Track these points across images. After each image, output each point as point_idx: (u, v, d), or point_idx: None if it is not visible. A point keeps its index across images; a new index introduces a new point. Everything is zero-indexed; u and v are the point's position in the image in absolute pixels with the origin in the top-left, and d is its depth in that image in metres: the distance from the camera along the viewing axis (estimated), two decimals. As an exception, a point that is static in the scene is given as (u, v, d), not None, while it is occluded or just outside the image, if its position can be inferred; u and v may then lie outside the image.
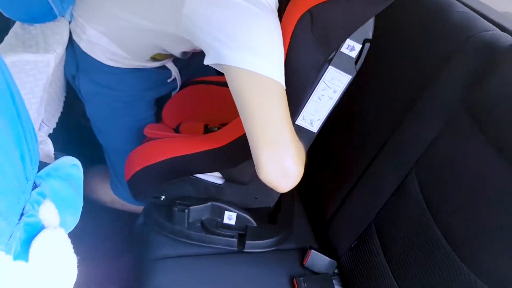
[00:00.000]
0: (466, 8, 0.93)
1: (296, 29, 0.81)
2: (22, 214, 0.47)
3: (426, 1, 0.98)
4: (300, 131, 0.96)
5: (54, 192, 0.55)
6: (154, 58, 1.11)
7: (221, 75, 1.10)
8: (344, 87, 0.90)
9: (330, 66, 0.87)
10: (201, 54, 1.39)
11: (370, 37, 0.86)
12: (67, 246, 0.50)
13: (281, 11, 1.26)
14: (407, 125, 0.93)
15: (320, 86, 0.90)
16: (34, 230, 0.47)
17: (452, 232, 0.80)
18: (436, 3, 0.96)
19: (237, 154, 0.97)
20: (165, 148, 1.05)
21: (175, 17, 0.81)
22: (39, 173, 0.55)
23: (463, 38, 0.84)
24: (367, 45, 0.87)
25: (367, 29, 0.85)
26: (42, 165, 0.59)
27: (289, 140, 0.78)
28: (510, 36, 0.82)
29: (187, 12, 0.78)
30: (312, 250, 1.08)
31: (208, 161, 1.01)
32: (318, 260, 1.08)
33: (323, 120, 0.95)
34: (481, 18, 0.89)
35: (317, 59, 0.85)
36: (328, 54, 0.85)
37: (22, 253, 0.45)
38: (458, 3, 0.95)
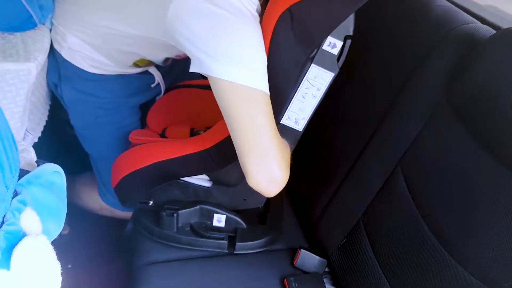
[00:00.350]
0: (446, 2, 0.94)
1: (276, 28, 0.81)
2: (2, 223, 0.47)
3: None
4: (286, 130, 0.96)
5: (36, 200, 0.54)
6: (136, 64, 1.10)
7: (206, 79, 1.10)
8: (327, 84, 0.91)
9: (312, 64, 0.87)
10: (184, 59, 1.39)
11: (351, 33, 0.86)
12: (50, 253, 0.49)
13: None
14: (391, 121, 0.94)
15: (304, 84, 0.90)
16: (15, 238, 0.47)
17: (439, 227, 0.80)
18: (416, -3, 0.96)
19: (223, 156, 0.96)
20: (151, 152, 1.04)
21: (160, 23, 0.81)
22: (19, 181, 0.54)
23: (444, 32, 0.85)
24: (349, 41, 0.87)
25: (348, 25, 0.85)
26: (24, 173, 0.58)
27: (274, 147, 0.80)
28: (490, 28, 0.82)
29: (171, 19, 0.78)
30: (302, 250, 1.08)
31: (194, 163, 1.01)
32: (308, 259, 1.08)
33: (308, 118, 0.95)
34: (462, 11, 0.89)
35: (299, 57, 0.85)
36: (309, 52, 0.85)
37: (4, 261, 0.45)
38: (438, -4, 0.96)
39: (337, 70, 0.89)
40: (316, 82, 0.90)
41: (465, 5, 0.95)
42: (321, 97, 0.92)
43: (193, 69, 0.80)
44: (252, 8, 0.82)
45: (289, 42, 0.82)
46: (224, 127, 0.91)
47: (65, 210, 0.62)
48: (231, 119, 0.80)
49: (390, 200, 0.93)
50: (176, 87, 1.37)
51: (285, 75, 0.86)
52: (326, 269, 1.10)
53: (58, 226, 0.59)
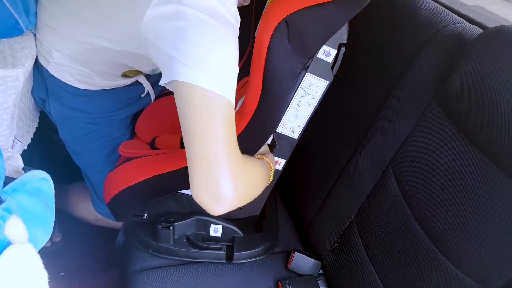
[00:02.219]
0: (434, 3, 0.94)
1: (272, 39, 0.80)
2: (-14, 231, 0.46)
3: (394, -1, 0.99)
4: (281, 139, 0.96)
5: (22, 207, 0.54)
6: (125, 75, 1.09)
7: None
8: (322, 92, 0.91)
9: (307, 73, 0.87)
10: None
11: (345, 41, 0.86)
12: (36, 262, 0.48)
13: (255, 24, 1.25)
14: (382, 122, 0.94)
15: (299, 93, 0.90)
16: (0, 247, 0.46)
17: (431, 226, 0.80)
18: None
19: None
20: (143, 168, 1.01)
21: (135, 36, 0.79)
22: (4, 189, 0.54)
23: (432, 32, 0.85)
24: (343, 49, 0.87)
25: (342, 33, 0.85)
26: (10, 180, 0.57)
27: (228, 160, 0.72)
28: (478, 28, 0.83)
29: (145, 31, 0.76)
30: (296, 252, 1.07)
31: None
32: (302, 262, 1.08)
33: (303, 126, 0.95)
34: (449, 12, 0.90)
35: (295, 67, 0.84)
36: (305, 62, 0.85)
37: (-12, 271, 0.44)
38: (425, -3, 0.96)
39: (332, 78, 0.89)
40: (311, 90, 0.90)
41: (453, 5, 0.95)
42: (316, 105, 0.92)
43: (162, 80, 0.75)
44: (232, 15, 0.77)
45: (286, 52, 0.81)
46: None
47: (53, 218, 0.61)
48: (186, 123, 0.73)
49: (382, 201, 0.93)
50: (164, 95, 1.36)
51: (281, 85, 0.85)
52: (321, 271, 1.10)
53: (46, 234, 0.59)
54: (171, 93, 1.35)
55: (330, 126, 1.12)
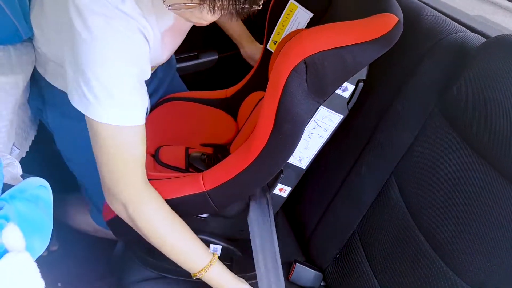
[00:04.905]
0: (436, 12, 0.94)
1: (289, 79, 0.76)
2: (-17, 239, 0.45)
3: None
4: (288, 168, 0.95)
5: (20, 215, 0.53)
6: None
7: (194, 91, 1.06)
8: (336, 126, 0.89)
9: (321, 106, 0.85)
10: (167, 72, 1.36)
11: (364, 77, 0.84)
12: (33, 270, 0.47)
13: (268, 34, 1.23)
14: (384, 131, 0.93)
15: (311, 125, 0.88)
16: (-4, 255, 0.45)
17: (434, 236, 0.79)
18: (406, 8, 0.96)
19: (224, 198, 0.93)
20: None
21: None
22: (2, 195, 0.53)
23: (435, 41, 0.85)
24: (361, 84, 0.85)
25: (362, 70, 0.83)
26: (9, 187, 0.56)
27: (121, 191, 0.82)
28: (480, 37, 0.83)
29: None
30: (297, 264, 1.06)
31: (192, 205, 0.95)
32: (303, 273, 1.06)
33: (312, 157, 0.94)
34: (451, 21, 0.89)
35: (311, 107, 0.81)
36: (322, 101, 0.83)
37: (-16, 279, 0.43)
38: (428, 7, 0.96)
39: (347, 112, 0.88)
40: (323, 123, 0.89)
41: (455, 15, 0.95)
42: (328, 137, 0.91)
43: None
44: (136, 24, 0.75)
45: (303, 93, 0.77)
46: (227, 168, 0.90)
47: (51, 226, 0.60)
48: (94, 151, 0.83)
49: (384, 211, 0.92)
50: (168, 100, 1.35)
51: (296, 124, 0.81)
52: (322, 283, 1.09)
53: (43, 242, 0.58)
54: (174, 98, 1.34)
55: (331, 136, 1.11)
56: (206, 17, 0.70)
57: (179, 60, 1.63)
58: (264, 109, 0.83)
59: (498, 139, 0.69)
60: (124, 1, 0.72)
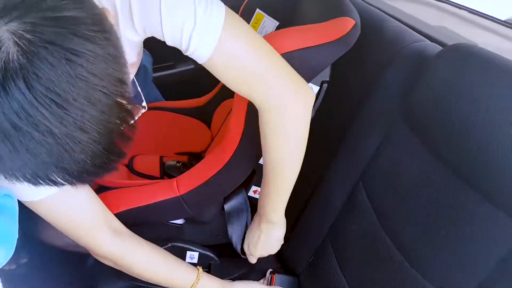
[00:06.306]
0: (399, 23, 0.97)
1: None
2: None
3: (362, 18, 1.02)
4: (258, 170, 0.98)
5: (-17, 225, 0.53)
6: None
7: (170, 100, 1.05)
8: None
9: None
10: (145, 87, 1.36)
11: (328, 78, 0.87)
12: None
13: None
14: (352, 136, 0.96)
15: None
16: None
17: (402, 241, 0.81)
18: (371, 19, 0.99)
19: (198, 202, 0.95)
20: (119, 200, 0.99)
21: None
22: (-35, 206, 0.53)
23: (396, 50, 0.88)
24: (325, 86, 0.88)
25: (326, 71, 0.86)
26: (-26, 199, 0.57)
27: (98, 251, 0.86)
28: (438, 46, 0.86)
29: None
30: (276, 274, 1.08)
31: (167, 210, 0.97)
32: (280, 281, 1.08)
33: None
34: (412, 31, 0.93)
35: None
36: None
37: None
38: (391, 18, 1.00)
39: (313, 113, 0.90)
40: None
41: (416, 25, 0.99)
42: None
43: None
44: None
45: None
46: (200, 172, 0.92)
47: (16, 236, 0.60)
48: None
49: (353, 216, 0.94)
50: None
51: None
52: (296, 288, 1.10)
53: (8, 252, 0.58)
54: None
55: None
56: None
57: (155, 70, 1.64)
58: (234, 111, 0.86)
59: (453, 143, 0.71)
60: None
